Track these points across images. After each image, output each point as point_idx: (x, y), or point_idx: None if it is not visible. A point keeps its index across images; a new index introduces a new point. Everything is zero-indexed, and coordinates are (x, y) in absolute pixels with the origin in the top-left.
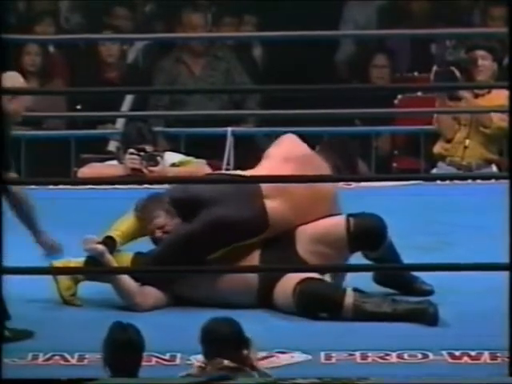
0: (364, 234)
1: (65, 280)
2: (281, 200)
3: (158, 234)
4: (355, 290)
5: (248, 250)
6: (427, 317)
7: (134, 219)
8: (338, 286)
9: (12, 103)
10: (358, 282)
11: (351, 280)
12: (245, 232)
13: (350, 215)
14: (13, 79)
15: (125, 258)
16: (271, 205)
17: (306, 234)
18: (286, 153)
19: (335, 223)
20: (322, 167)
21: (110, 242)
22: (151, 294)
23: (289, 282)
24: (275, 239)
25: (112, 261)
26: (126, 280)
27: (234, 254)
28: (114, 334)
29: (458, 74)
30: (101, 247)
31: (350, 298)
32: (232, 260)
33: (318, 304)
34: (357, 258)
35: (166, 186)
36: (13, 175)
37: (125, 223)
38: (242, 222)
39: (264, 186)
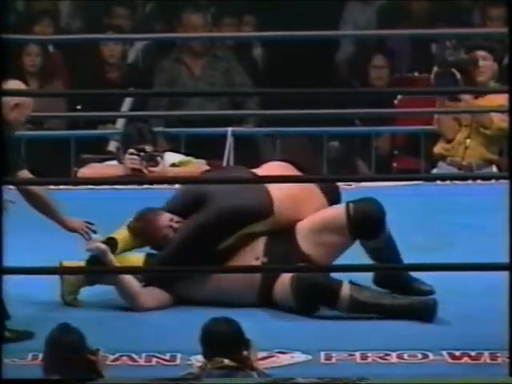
0: (364, 218)
1: (70, 286)
2: (283, 189)
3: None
4: (352, 282)
5: (252, 246)
6: (426, 312)
7: (127, 230)
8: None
9: (13, 112)
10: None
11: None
12: (251, 216)
13: (349, 202)
14: (15, 87)
15: (135, 259)
16: (275, 191)
17: (306, 226)
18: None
19: (335, 210)
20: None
21: (111, 243)
22: (154, 294)
23: (286, 274)
24: (277, 234)
25: (114, 261)
26: (130, 280)
27: (240, 250)
28: (55, 335)
29: (458, 75)
30: (103, 246)
31: (346, 289)
32: (237, 255)
33: (314, 294)
34: (357, 259)
35: (166, 186)
36: (25, 173)
37: (118, 233)
38: (247, 207)
39: None
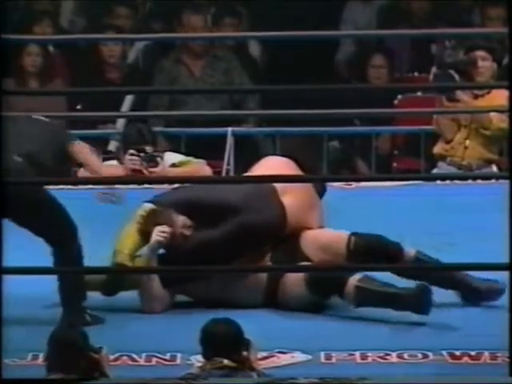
0: (362, 255)
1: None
2: (292, 195)
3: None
4: (366, 275)
5: (260, 253)
6: (422, 301)
7: (136, 232)
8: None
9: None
10: None
11: None
12: (268, 235)
13: (353, 233)
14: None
15: (144, 262)
16: (287, 201)
17: (310, 240)
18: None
19: (338, 238)
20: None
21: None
22: (163, 296)
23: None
24: (284, 242)
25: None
26: (157, 284)
27: (248, 258)
28: (58, 333)
29: (456, 77)
30: (161, 239)
31: (354, 279)
32: (246, 263)
33: (326, 283)
34: None
35: (166, 186)
36: None
37: (129, 240)
38: (265, 226)
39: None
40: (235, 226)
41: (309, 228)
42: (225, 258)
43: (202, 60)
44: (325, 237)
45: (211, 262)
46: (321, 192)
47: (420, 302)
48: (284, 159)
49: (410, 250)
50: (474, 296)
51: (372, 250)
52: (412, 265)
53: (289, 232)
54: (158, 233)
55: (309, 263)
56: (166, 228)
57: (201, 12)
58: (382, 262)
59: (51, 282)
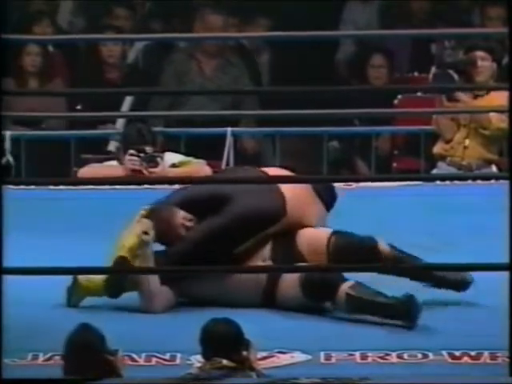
0: (341, 255)
1: (83, 290)
2: (292, 189)
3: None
4: (358, 282)
5: (261, 248)
6: (408, 313)
7: (137, 232)
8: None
9: None
10: None
11: None
12: (269, 219)
13: (334, 232)
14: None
15: (142, 260)
16: (286, 191)
17: (306, 236)
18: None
19: (320, 236)
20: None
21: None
22: (165, 295)
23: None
24: (283, 237)
25: (151, 256)
26: (155, 281)
27: (251, 252)
28: (74, 334)
29: (456, 76)
30: (148, 238)
31: (345, 286)
32: (248, 258)
33: (319, 288)
34: None
35: (166, 186)
36: None
37: (130, 239)
38: (266, 210)
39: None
40: (235, 211)
41: (308, 226)
42: (228, 246)
43: (215, 60)
44: (315, 234)
45: (214, 251)
46: (329, 202)
47: (408, 312)
48: (280, 170)
49: (383, 244)
50: (453, 288)
51: (349, 249)
52: (411, 264)
53: (288, 225)
54: (142, 234)
55: (304, 263)
56: (148, 227)
57: (220, 12)
58: (358, 261)
59: (51, 282)
